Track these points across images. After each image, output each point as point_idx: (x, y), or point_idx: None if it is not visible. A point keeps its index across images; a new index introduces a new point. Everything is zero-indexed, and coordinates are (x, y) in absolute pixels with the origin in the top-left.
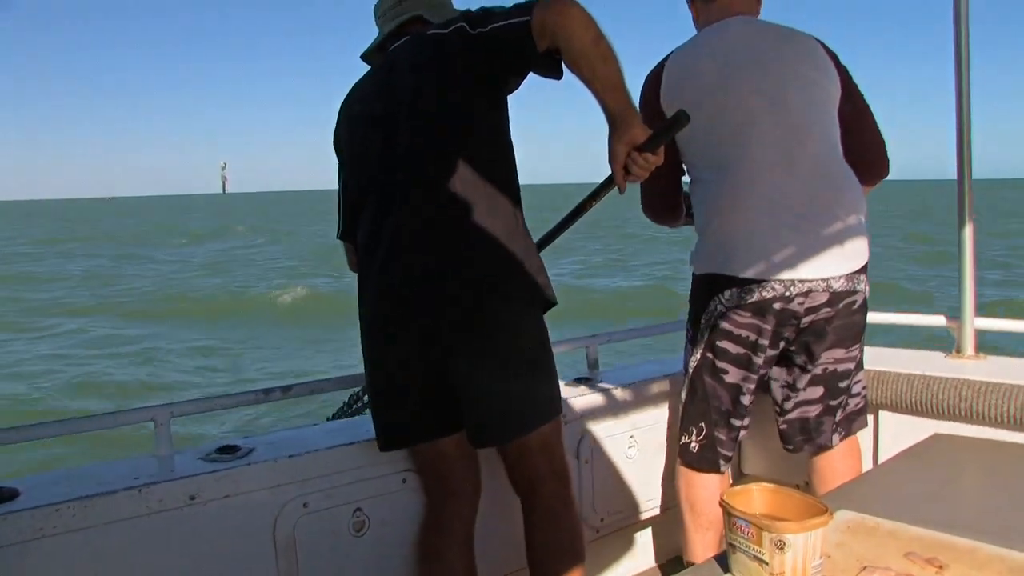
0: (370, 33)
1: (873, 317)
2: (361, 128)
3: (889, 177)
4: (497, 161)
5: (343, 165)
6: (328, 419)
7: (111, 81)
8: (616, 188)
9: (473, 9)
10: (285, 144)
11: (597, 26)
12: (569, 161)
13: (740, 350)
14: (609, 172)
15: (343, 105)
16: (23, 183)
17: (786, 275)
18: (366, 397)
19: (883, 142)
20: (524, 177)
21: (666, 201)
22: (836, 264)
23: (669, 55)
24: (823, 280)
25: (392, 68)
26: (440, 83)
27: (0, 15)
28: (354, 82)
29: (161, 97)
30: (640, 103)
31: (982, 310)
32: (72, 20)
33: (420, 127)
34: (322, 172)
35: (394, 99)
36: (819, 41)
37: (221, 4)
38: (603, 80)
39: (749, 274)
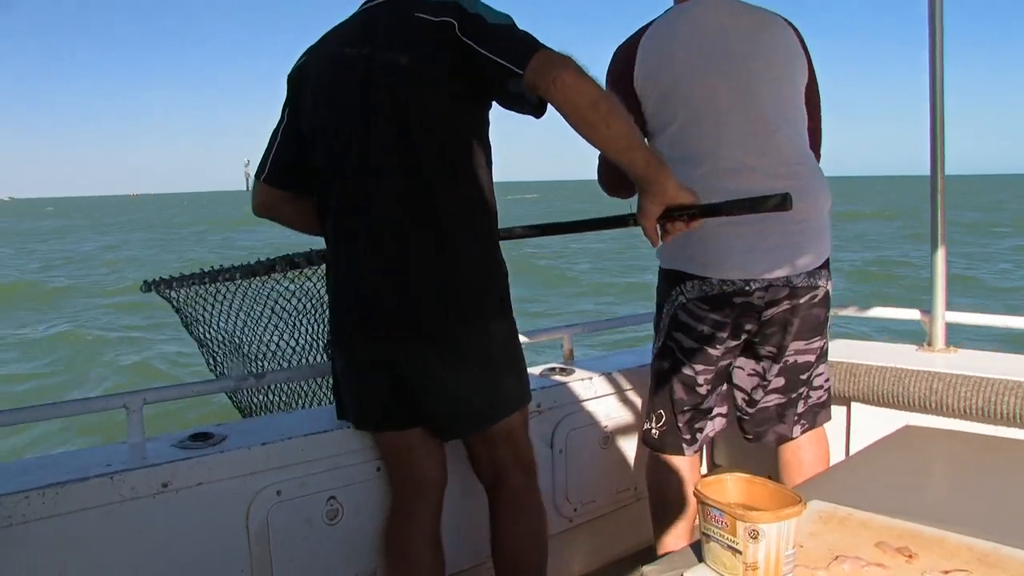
0: None
1: (848, 311)
2: (336, 91)
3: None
4: (474, 163)
5: (296, 106)
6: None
7: (134, 79)
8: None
9: (465, 5)
10: None
11: (592, 86)
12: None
13: (696, 343)
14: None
15: (321, 44)
16: (49, 181)
17: (747, 274)
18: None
19: (821, 131)
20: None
21: (625, 179)
22: (798, 263)
23: (643, 32)
24: (784, 277)
25: (371, 37)
26: (420, 79)
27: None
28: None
29: (184, 94)
30: (611, 77)
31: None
32: (95, 18)
33: (396, 121)
34: None
35: (371, 86)
36: (789, 23)
37: (243, 4)
38: (611, 143)
39: (710, 273)
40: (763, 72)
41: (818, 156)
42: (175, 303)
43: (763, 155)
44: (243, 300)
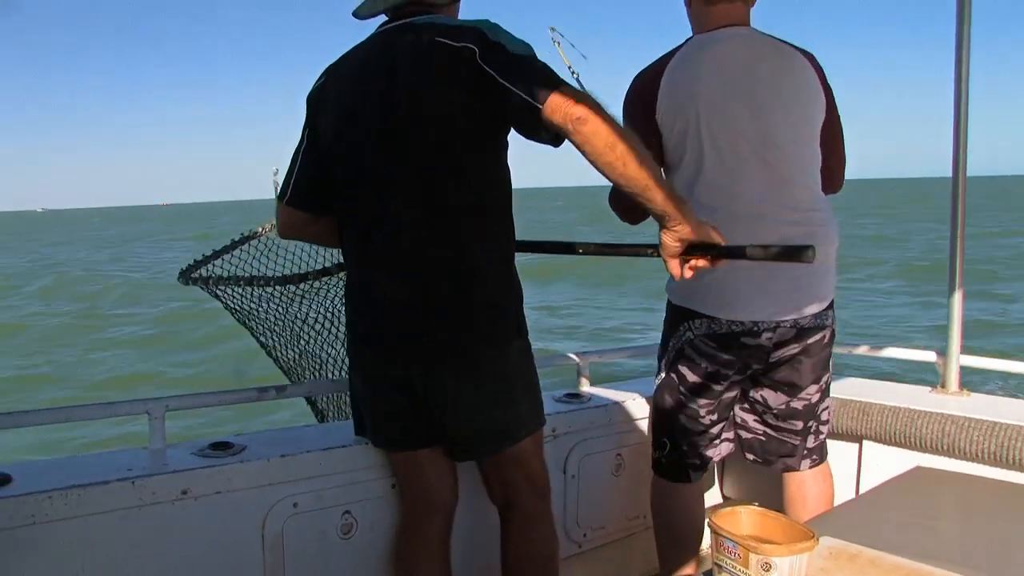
0: None
1: (864, 350)
2: (356, 105)
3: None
4: (494, 184)
5: (315, 126)
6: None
7: (161, 90)
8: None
9: (487, 31)
10: None
11: (609, 128)
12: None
13: (700, 378)
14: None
15: (340, 63)
16: (78, 192)
17: (756, 315)
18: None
19: (845, 163)
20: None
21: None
22: (806, 307)
23: (667, 61)
24: (792, 319)
25: (391, 52)
26: (441, 82)
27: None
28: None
29: (210, 103)
30: (632, 105)
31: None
32: (120, 30)
33: (418, 143)
34: None
35: (392, 103)
36: (811, 58)
37: (273, 10)
38: (629, 182)
39: (720, 314)
40: (783, 116)
41: (840, 185)
42: (214, 292)
43: (777, 203)
44: (290, 301)
